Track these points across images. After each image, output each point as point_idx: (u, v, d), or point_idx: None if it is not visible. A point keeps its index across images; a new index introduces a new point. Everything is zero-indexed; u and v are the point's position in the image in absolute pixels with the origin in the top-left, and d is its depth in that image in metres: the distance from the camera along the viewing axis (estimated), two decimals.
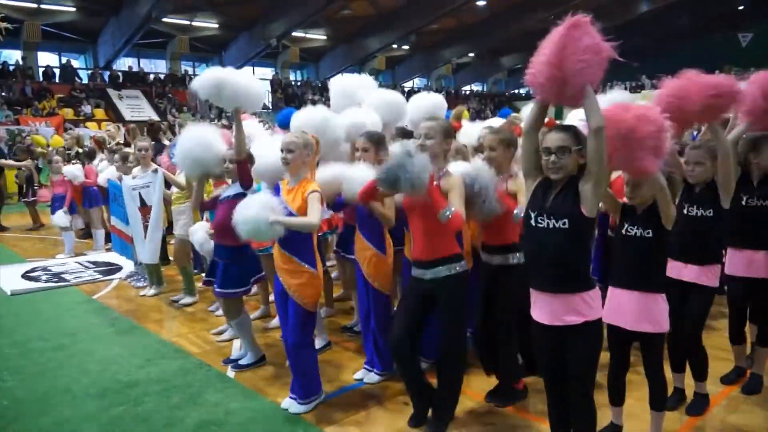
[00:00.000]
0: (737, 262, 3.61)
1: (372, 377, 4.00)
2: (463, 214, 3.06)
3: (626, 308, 2.91)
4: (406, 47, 31.19)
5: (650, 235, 2.84)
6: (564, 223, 2.48)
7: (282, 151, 3.55)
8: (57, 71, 23.12)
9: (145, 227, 5.89)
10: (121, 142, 9.53)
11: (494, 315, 3.52)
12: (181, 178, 5.66)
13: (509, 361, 3.59)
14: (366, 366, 4.08)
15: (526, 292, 2.70)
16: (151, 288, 6.32)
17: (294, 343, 3.55)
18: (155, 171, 5.78)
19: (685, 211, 3.30)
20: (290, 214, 3.40)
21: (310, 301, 3.54)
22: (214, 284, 4.28)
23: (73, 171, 8.36)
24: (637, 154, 2.47)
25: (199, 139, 4.29)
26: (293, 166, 3.53)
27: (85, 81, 23.40)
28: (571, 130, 2.55)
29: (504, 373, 3.63)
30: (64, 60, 24.33)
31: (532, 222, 2.57)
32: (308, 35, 28.86)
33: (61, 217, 8.14)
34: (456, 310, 3.20)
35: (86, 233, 9.28)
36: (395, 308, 4.65)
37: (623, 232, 2.93)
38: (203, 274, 6.36)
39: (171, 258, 6.89)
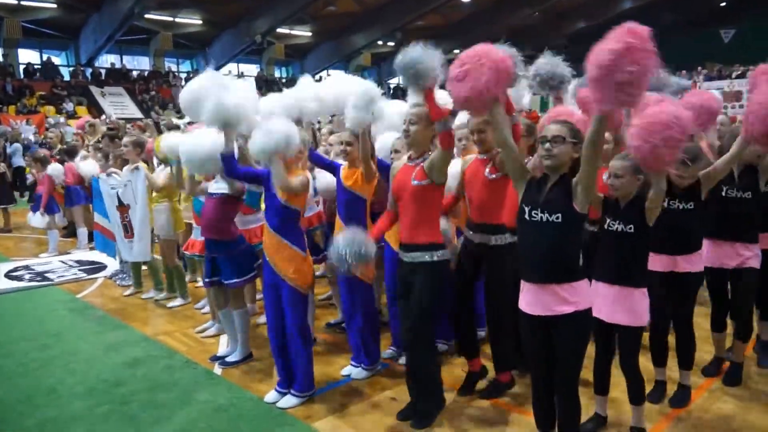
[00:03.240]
0: (715, 252, 3.67)
1: (360, 373, 4.02)
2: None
3: (606, 301, 2.96)
4: (391, 44, 31.10)
5: (632, 230, 2.87)
6: (557, 218, 2.55)
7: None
8: (38, 68, 22.82)
9: (124, 226, 5.82)
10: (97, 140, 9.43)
11: (488, 301, 3.59)
12: (159, 177, 5.57)
13: (503, 349, 3.66)
14: (353, 362, 4.10)
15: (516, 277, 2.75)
16: (150, 292, 6.11)
17: (294, 330, 3.59)
18: (136, 168, 5.69)
19: (665, 205, 3.31)
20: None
21: (304, 284, 3.63)
22: (222, 280, 4.23)
23: (57, 168, 8.21)
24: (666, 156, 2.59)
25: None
26: (287, 162, 3.55)
27: (67, 78, 23.11)
28: (569, 124, 2.65)
29: (497, 362, 3.70)
30: (45, 57, 24.02)
31: (526, 216, 2.64)
32: (293, 32, 28.70)
33: (37, 219, 8.12)
34: (427, 297, 3.21)
35: (70, 232, 9.19)
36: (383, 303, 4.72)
37: (605, 226, 2.96)
38: (193, 274, 6.43)
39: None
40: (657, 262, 3.32)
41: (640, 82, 2.24)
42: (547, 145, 2.58)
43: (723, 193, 3.60)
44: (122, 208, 5.80)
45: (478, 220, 3.57)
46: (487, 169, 3.50)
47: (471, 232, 3.62)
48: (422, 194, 3.18)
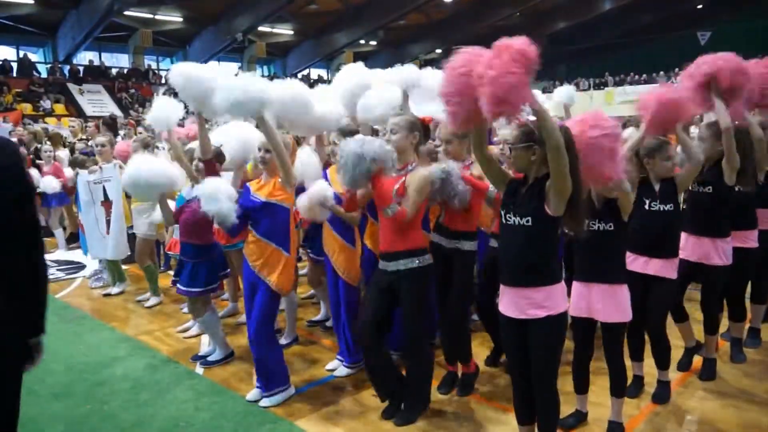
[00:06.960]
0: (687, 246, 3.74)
1: (342, 370, 4.03)
2: (411, 211, 3.14)
3: (593, 301, 3.01)
4: (373, 43, 31.13)
5: (612, 228, 2.94)
6: (527, 221, 2.57)
7: (259, 149, 3.56)
8: (14, 65, 22.44)
9: (108, 222, 5.80)
10: (84, 138, 9.31)
11: (449, 300, 3.60)
12: None
13: (464, 345, 3.69)
14: (338, 357, 4.12)
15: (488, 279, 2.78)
16: (115, 286, 6.21)
17: (257, 329, 3.54)
18: (116, 165, 5.70)
19: (647, 207, 3.35)
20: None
21: (286, 287, 3.61)
22: (179, 283, 4.26)
23: (51, 183, 7.71)
24: (595, 163, 2.57)
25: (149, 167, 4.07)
26: (271, 166, 3.54)
27: (45, 75, 22.75)
28: (526, 127, 2.60)
29: (459, 356, 3.72)
30: (21, 54, 23.60)
31: (503, 219, 2.67)
32: (275, 30, 28.54)
33: None
34: (415, 302, 3.25)
35: (48, 232, 9.04)
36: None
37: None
38: (169, 271, 6.38)
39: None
40: (633, 262, 3.37)
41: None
42: (510, 151, 2.65)
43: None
44: (107, 203, 5.80)
45: (451, 227, 3.57)
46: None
47: (443, 237, 3.61)
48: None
